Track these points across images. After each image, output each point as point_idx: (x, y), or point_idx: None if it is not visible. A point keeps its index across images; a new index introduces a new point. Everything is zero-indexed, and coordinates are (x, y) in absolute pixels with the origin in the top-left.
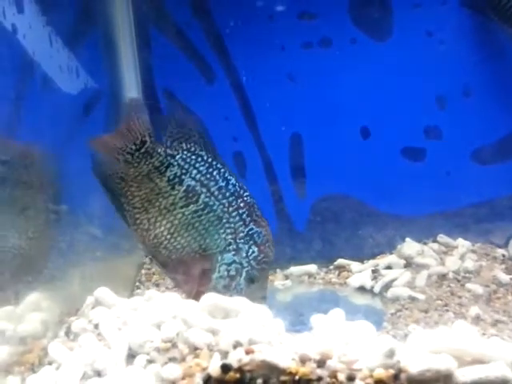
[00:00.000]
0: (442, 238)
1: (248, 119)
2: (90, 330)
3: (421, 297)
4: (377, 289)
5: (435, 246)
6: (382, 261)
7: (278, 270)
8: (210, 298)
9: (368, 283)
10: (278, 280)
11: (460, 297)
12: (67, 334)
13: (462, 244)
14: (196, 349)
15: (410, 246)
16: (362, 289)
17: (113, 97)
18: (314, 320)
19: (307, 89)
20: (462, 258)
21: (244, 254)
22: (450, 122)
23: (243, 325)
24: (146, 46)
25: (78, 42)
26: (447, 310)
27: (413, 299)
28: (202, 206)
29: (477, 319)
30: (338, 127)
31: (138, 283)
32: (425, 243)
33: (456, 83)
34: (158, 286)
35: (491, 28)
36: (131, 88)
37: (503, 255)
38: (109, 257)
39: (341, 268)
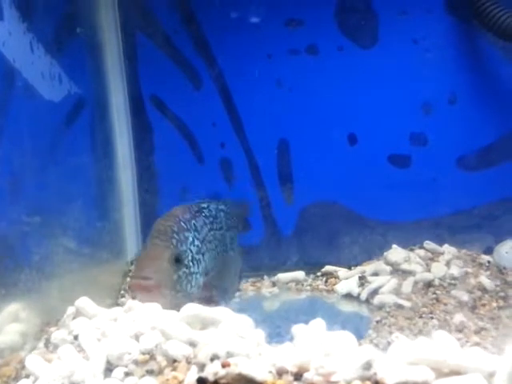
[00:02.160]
0: (428, 244)
1: (235, 125)
2: (69, 341)
3: (406, 304)
4: (363, 296)
5: (422, 252)
6: (369, 267)
7: (265, 277)
8: (190, 309)
9: (355, 290)
10: (265, 287)
11: (445, 304)
12: (46, 345)
13: (448, 250)
14: (174, 361)
15: (396, 253)
16: (349, 296)
17: (98, 104)
18: (295, 330)
19: (294, 95)
20: (448, 264)
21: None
22: (435, 128)
23: (222, 336)
24: (133, 52)
25: (61, 49)
26: (432, 318)
27: (398, 306)
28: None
29: (461, 327)
30: (325, 134)
31: (122, 291)
32: (411, 249)
33: (441, 90)
34: None
35: (476, 36)
36: (117, 95)
37: (488, 262)
38: (88, 267)
39: (328, 274)
